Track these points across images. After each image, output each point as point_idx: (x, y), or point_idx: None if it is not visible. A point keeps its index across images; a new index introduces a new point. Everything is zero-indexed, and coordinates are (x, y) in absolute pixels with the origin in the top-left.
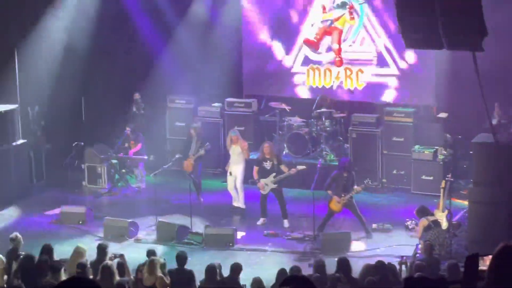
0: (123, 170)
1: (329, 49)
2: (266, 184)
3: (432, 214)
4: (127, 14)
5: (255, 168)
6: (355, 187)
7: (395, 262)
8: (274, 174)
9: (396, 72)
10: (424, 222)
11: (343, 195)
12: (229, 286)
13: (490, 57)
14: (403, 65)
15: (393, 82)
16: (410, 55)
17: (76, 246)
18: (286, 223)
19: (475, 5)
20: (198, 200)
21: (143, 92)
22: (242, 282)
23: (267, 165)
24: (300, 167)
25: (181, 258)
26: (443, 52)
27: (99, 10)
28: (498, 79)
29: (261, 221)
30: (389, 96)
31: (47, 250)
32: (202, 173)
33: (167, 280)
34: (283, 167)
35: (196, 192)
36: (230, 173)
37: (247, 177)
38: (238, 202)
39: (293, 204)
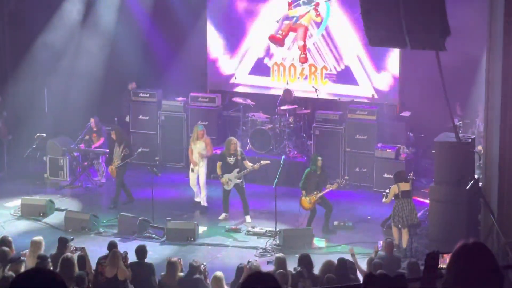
0: (85, 163)
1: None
2: (230, 180)
3: (407, 182)
4: (92, 5)
5: (218, 163)
6: (328, 184)
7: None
8: (237, 169)
9: (360, 70)
10: (395, 188)
11: (315, 192)
12: (189, 280)
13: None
14: (366, 64)
15: (357, 80)
16: (376, 54)
17: (32, 238)
18: (248, 219)
19: (438, 5)
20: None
21: (106, 84)
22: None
23: (231, 160)
24: (263, 162)
25: (141, 252)
26: (407, 50)
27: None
28: (461, 78)
29: (223, 216)
30: (352, 94)
31: (5, 243)
32: (163, 167)
33: (129, 272)
34: (246, 163)
35: (128, 196)
36: (192, 170)
37: (210, 173)
38: (200, 197)
39: (256, 199)
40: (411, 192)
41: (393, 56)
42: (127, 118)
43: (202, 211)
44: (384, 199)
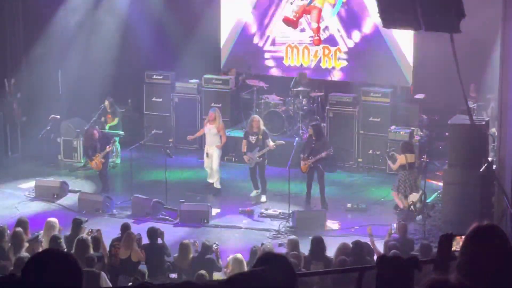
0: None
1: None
2: (251, 158)
3: (413, 153)
4: None
5: (243, 141)
6: (270, 143)
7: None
8: (258, 148)
9: (376, 52)
10: (402, 159)
11: (310, 157)
12: (201, 262)
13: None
14: (381, 46)
15: (370, 63)
16: (387, 36)
17: (47, 219)
18: (263, 198)
19: None
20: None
21: (120, 66)
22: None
23: (253, 139)
24: (278, 142)
25: (153, 233)
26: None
27: None
28: (476, 59)
29: (254, 193)
30: (365, 76)
31: (22, 223)
32: (176, 149)
33: (142, 254)
34: (267, 142)
35: (104, 187)
36: (207, 154)
37: (224, 155)
38: (213, 178)
39: (269, 181)
40: (415, 164)
41: (407, 38)
42: (96, 133)
43: (215, 193)
44: (392, 165)
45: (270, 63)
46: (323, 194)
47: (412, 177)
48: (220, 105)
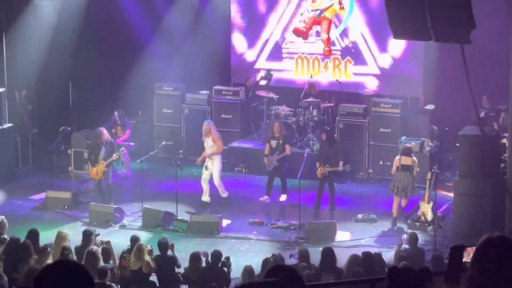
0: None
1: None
2: (271, 162)
3: (410, 157)
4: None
5: (266, 145)
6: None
7: (381, 251)
8: (277, 152)
9: (384, 64)
10: (396, 161)
11: (327, 166)
12: (212, 273)
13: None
14: (390, 57)
15: (381, 74)
16: (398, 46)
17: (58, 231)
18: (283, 197)
19: None
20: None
21: (131, 78)
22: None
23: (273, 143)
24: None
25: (163, 245)
26: (431, 43)
27: None
28: (486, 71)
29: (264, 198)
30: (376, 87)
31: (33, 235)
32: (186, 161)
33: (153, 265)
34: (287, 147)
35: (103, 198)
36: (206, 167)
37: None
38: (207, 197)
39: (279, 192)
40: (411, 167)
41: (417, 49)
42: (105, 134)
43: (225, 203)
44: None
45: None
46: (333, 197)
47: (405, 180)
48: (230, 116)
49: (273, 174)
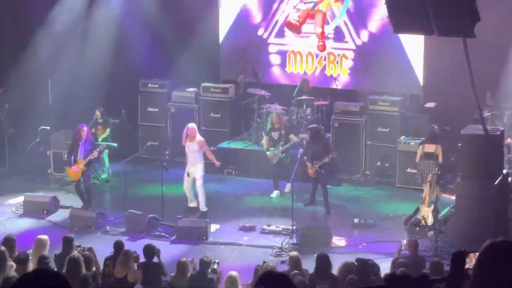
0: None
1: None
2: (274, 154)
3: (432, 144)
4: None
5: (265, 138)
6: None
7: (377, 259)
8: (281, 143)
9: (382, 59)
10: (420, 150)
11: (314, 162)
12: (200, 281)
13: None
14: (388, 52)
15: (377, 70)
16: (395, 41)
17: (37, 237)
18: (288, 187)
19: None
20: (84, 208)
21: (113, 75)
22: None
23: (275, 135)
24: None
25: (149, 251)
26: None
27: None
28: (493, 66)
29: (274, 193)
30: (373, 83)
31: (9, 241)
32: (173, 162)
33: (139, 273)
34: (292, 136)
35: (83, 200)
36: (188, 174)
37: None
38: (195, 202)
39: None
40: (434, 155)
41: (417, 44)
42: (85, 130)
43: (202, 216)
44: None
45: (274, 58)
46: (327, 200)
47: (429, 168)
48: (219, 115)
49: (278, 167)
